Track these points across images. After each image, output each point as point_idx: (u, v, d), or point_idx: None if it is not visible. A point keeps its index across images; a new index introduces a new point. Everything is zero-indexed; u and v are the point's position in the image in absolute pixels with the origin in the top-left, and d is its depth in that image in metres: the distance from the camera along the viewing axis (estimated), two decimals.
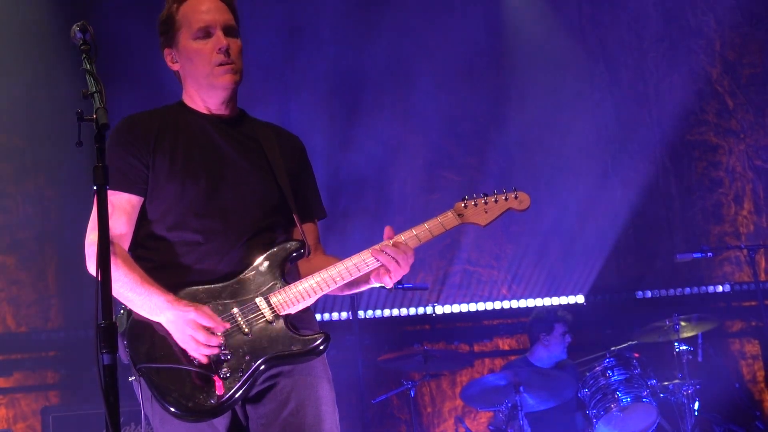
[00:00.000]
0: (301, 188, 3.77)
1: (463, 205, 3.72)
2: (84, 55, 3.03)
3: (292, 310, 3.51)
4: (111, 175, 3.47)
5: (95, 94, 2.93)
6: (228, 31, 3.61)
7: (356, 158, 8.98)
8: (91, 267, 3.50)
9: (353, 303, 7.47)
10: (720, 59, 9.66)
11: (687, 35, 9.68)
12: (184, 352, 3.40)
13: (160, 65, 3.77)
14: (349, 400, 7.75)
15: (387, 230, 3.58)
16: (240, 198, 3.57)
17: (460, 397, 7.80)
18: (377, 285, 3.66)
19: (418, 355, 7.61)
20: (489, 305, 9.20)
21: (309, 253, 3.68)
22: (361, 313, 8.59)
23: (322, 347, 3.50)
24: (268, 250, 3.56)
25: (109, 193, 3.43)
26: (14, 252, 8.28)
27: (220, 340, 3.38)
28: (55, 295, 8.33)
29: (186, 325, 3.34)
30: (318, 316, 8.69)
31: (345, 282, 3.58)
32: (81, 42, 3.05)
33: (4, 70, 8.21)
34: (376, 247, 3.55)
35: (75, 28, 3.06)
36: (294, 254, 3.59)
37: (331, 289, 3.56)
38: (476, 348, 9.28)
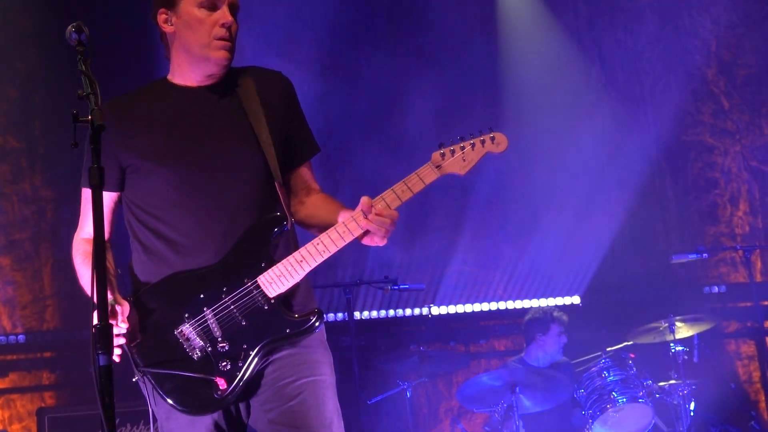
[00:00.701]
0: (289, 133, 3.71)
1: (440, 154, 3.60)
2: (79, 56, 3.03)
3: (282, 289, 3.48)
4: (85, 173, 3.51)
5: (90, 95, 2.93)
6: (232, 10, 3.58)
7: (351, 157, 8.98)
8: (75, 260, 3.64)
9: (349, 304, 7.46)
10: (715, 60, 9.66)
11: (682, 36, 9.69)
12: (184, 354, 3.43)
13: (151, 60, 3.75)
14: (345, 401, 7.73)
15: (363, 201, 3.47)
16: (225, 176, 3.53)
17: (456, 398, 7.80)
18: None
19: (414, 355, 7.61)
20: (485, 306, 9.20)
21: (290, 226, 3.60)
22: (356, 314, 8.58)
23: (317, 324, 3.49)
24: (252, 228, 3.51)
25: (87, 191, 3.52)
26: (10, 253, 8.27)
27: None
28: (51, 296, 8.32)
29: None
30: None
31: (332, 254, 3.51)
32: (76, 43, 3.06)
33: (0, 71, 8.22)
34: (359, 214, 3.45)
35: (70, 29, 3.07)
36: (276, 230, 3.53)
37: (318, 263, 3.50)
38: (472, 349, 9.28)
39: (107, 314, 2.80)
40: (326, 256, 3.49)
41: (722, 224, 9.54)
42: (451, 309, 9.12)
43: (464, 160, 3.62)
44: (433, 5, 9.41)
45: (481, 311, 9.20)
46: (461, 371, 8.90)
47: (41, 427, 7.26)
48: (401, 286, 7.46)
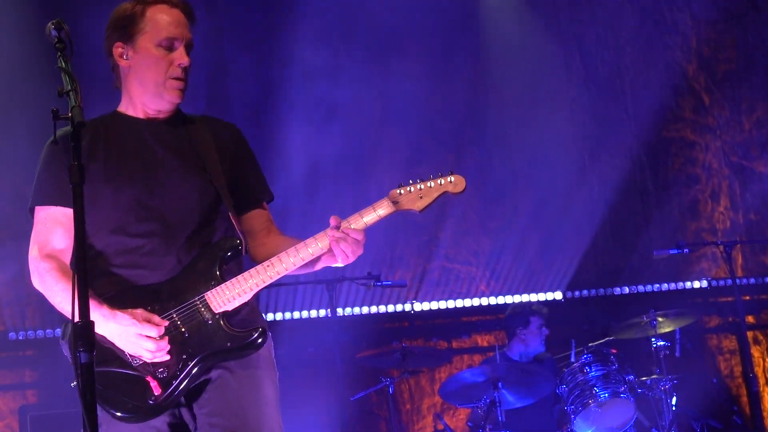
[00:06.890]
0: (241, 177, 3.79)
1: (398, 192, 3.70)
2: (59, 53, 3.02)
3: (229, 307, 3.54)
4: (43, 190, 3.48)
5: (71, 92, 2.92)
6: (188, 49, 3.65)
7: (333, 155, 8.97)
8: (35, 281, 3.67)
9: (331, 300, 7.46)
10: (696, 55, 9.69)
11: (663, 31, 9.71)
12: (120, 355, 3.46)
13: None
14: (328, 398, 7.75)
15: (333, 220, 3.61)
16: (176, 200, 3.58)
17: (438, 394, 7.80)
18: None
19: (396, 352, 7.61)
20: (467, 302, 9.21)
21: (247, 251, 3.69)
22: (339, 311, 8.57)
23: (259, 341, 3.53)
24: (205, 249, 3.58)
25: (43, 208, 3.53)
26: None
27: (166, 340, 3.43)
28: (33, 293, 8.26)
29: (133, 341, 3.40)
30: (297, 314, 8.69)
31: (281, 276, 3.60)
32: (56, 40, 3.05)
33: None
34: (322, 235, 3.61)
35: (50, 26, 3.07)
36: (229, 252, 3.60)
37: (267, 284, 3.60)
38: (455, 344, 9.29)
39: (88, 311, 2.79)
40: (275, 277, 3.59)
41: (703, 219, 9.57)
42: (434, 305, 9.11)
43: (421, 198, 3.73)
44: (412, 2, 9.38)
45: (464, 307, 9.20)
46: (444, 367, 8.92)
47: (23, 425, 7.24)
48: (384, 283, 7.47)
